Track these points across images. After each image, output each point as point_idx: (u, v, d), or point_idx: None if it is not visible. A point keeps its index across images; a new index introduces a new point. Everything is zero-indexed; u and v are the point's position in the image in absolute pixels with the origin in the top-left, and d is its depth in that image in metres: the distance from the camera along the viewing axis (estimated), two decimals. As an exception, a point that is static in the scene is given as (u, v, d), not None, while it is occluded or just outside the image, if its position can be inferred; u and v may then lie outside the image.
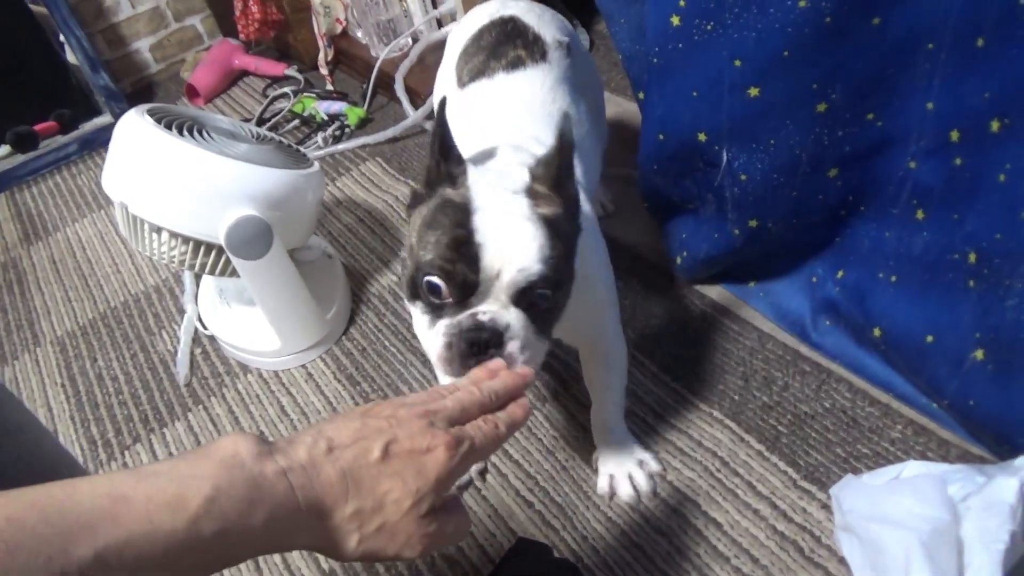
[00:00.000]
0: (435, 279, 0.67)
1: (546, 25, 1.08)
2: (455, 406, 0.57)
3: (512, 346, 0.67)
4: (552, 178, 0.71)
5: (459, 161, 0.73)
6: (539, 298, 0.68)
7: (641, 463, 0.96)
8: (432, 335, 0.69)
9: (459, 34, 1.16)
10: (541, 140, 0.87)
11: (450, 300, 0.68)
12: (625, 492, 0.94)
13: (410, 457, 0.51)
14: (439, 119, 0.70)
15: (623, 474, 0.95)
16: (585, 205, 0.91)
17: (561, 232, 0.70)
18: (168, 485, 0.44)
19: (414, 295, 0.70)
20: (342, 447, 0.51)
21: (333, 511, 0.49)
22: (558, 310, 0.75)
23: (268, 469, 0.47)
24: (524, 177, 0.72)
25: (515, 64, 1.00)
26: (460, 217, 0.67)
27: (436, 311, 0.69)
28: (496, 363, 0.65)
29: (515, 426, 0.60)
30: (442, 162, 0.71)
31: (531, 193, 0.70)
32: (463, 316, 0.67)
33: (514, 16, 1.08)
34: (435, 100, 1.25)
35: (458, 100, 1.04)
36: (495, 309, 0.67)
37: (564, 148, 0.70)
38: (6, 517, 0.39)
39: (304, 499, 0.48)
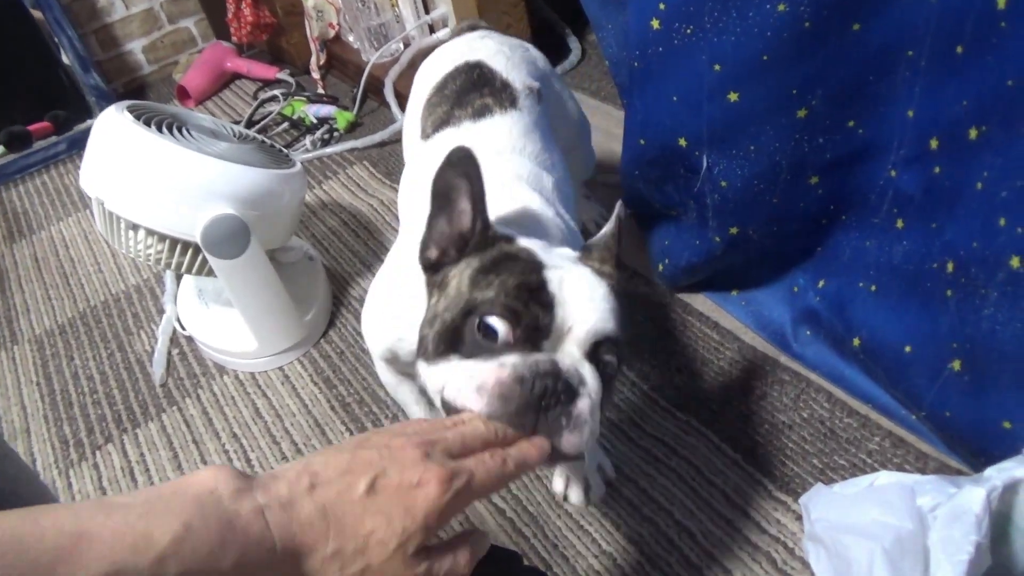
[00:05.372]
0: (495, 319, 0.57)
1: (515, 69, 1.00)
2: (456, 438, 0.52)
3: (583, 404, 0.57)
4: (609, 259, 0.67)
5: (491, 226, 0.66)
6: (607, 362, 0.61)
7: (599, 467, 0.95)
8: (483, 369, 0.57)
9: (424, 80, 1.07)
10: (515, 195, 0.81)
11: (509, 341, 0.58)
12: (576, 497, 0.93)
13: (398, 493, 0.47)
14: (476, 179, 0.62)
15: (579, 477, 0.94)
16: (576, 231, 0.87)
17: (622, 303, 0.65)
18: (137, 521, 0.41)
19: (450, 346, 0.59)
20: (326, 483, 0.47)
21: (312, 553, 0.45)
22: (612, 390, 0.68)
23: (244, 507, 0.44)
24: (571, 252, 0.68)
25: (482, 112, 0.93)
26: (531, 266, 0.61)
27: (485, 353, 0.58)
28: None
29: (525, 466, 0.53)
30: (484, 227, 0.64)
31: (588, 256, 0.67)
32: (540, 356, 0.57)
33: (480, 61, 1.00)
34: (404, 146, 1.14)
35: (422, 152, 0.97)
36: (575, 358, 0.59)
37: (621, 233, 0.68)
38: None
39: (280, 539, 0.44)
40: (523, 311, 0.57)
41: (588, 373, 0.58)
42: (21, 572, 0.37)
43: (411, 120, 1.07)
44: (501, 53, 1.02)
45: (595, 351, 0.59)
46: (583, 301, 0.60)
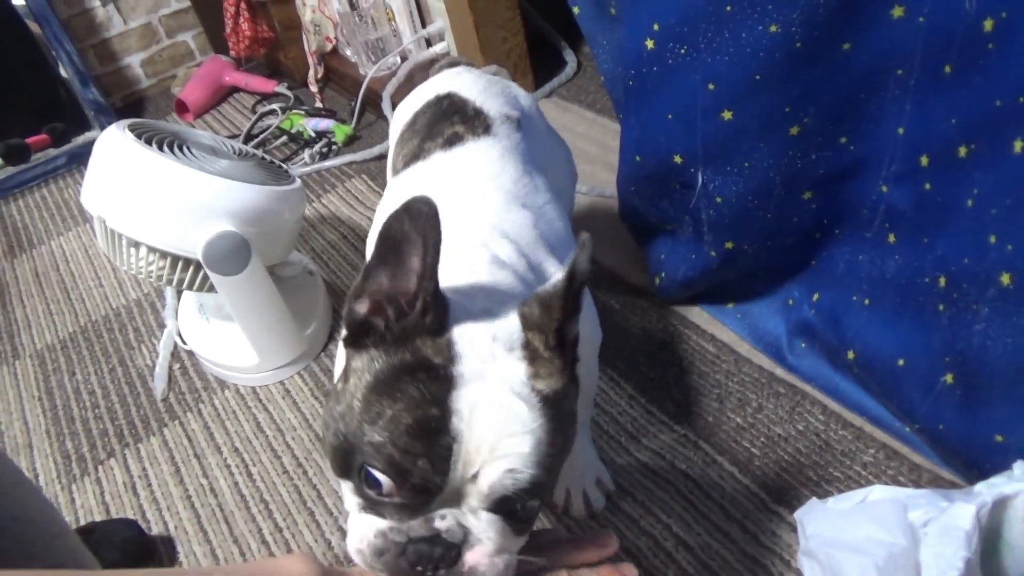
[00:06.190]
0: (379, 474, 0.49)
1: (491, 98, 0.92)
2: None
3: (477, 553, 0.50)
4: (555, 327, 0.52)
5: (439, 297, 0.53)
6: (524, 510, 0.52)
7: (598, 481, 0.96)
8: (361, 527, 0.51)
9: (399, 120, 1.03)
10: (496, 225, 0.72)
11: (396, 501, 0.50)
12: (577, 510, 0.94)
13: None
14: (433, 239, 0.49)
15: (578, 490, 0.94)
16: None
17: (563, 414, 0.53)
18: None
19: (343, 472, 0.52)
20: None
21: None
22: (545, 498, 0.56)
23: None
24: (515, 322, 0.54)
25: (452, 141, 0.85)
26: (435, 390, 0.49)
27: (372, 504, 0.51)
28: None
29: None
30: (425, 303, 0.51)
31: (528, 352, 0.53)
32: (416, 523, 0.50)
33: (451, 92, 0.93)
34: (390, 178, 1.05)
35: (393, 190, 0.89)
36: (460, 514, 0.50)
37: (571, 286, 0.51)
38: None
39: None
40: (412, 469, 0.48)
41: (486, 525, 0.50)
42: None
43: (390, 158, 1.03)
44: (475, 84, 0.95)
45: (506, 501, 0.50)
46: (492, 444, 0.49)
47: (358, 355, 0.54)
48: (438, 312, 0.52)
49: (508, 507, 0.50)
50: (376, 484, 0.49)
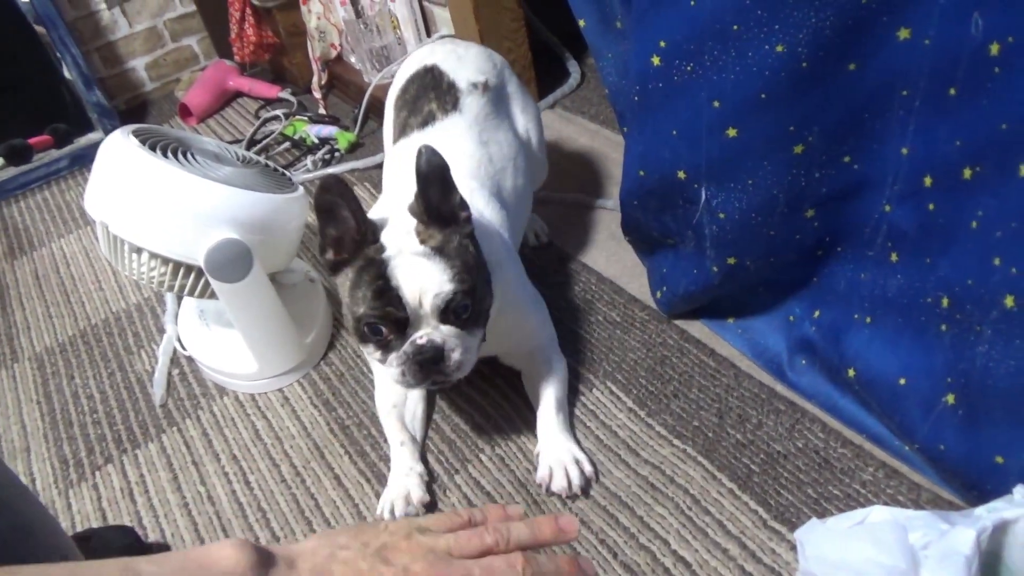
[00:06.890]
0: (374, 324, 0.86)
1: (465, 68, 1.17)
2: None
3: (454, 356, 0.87)
4: (423, 212, 0.87)
5: (369, 223, 0.88)
6: (461, 309, 0.86)
7: (578, 462, 0.98)
8: (388, 368, 0.88)
9: (395, 86, 1.26)
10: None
11: (391, 337, 0.86)
12: (559, 484, 0.97)
13: None
14: (349, 196, 0.85)
15: (560, 467, 0.97)
16: (501, 231, 1.06)
17: (453, 250, 0.87)
18: None
19: (363, 340, 0.89)
20: None
21: None
22: (483, 305, 0.91)
23: None
24: (410, 219, 0.89)
25: (427, 120, 1.14)
26: (378, 270, 0.85)
27: (383, 347, 0.88)
28: (562, 520, 0.61)
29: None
30: (364, 230, 0.87)
31: (417, 230, 0.88)
32: (406, 345, 0.86)
33: (435, 65, 1.18)
34: (386, 145, 1.30)
35: (393, 156, 1.17)
36: (428, 331, 0.86)
37: (420, 183, 0.85)
38: None
39: None
40: (385, 315, 0.85)
41: (445, 333, 0.86)
42: None
43: (387, 124, 1.27)
44: (454, 54, 1.19)
45: (446, 311, 0.85)
46: (418, 284, 0.84)
47: (338, 276, 0.91)
48: (372, 231, 0.88)
49: (451, 314, 0.86)
50: (377, 331, 0.87)
